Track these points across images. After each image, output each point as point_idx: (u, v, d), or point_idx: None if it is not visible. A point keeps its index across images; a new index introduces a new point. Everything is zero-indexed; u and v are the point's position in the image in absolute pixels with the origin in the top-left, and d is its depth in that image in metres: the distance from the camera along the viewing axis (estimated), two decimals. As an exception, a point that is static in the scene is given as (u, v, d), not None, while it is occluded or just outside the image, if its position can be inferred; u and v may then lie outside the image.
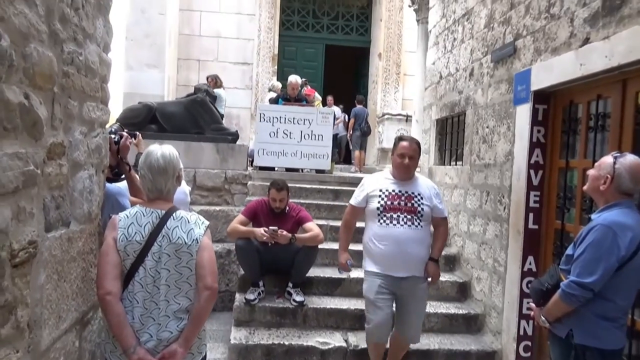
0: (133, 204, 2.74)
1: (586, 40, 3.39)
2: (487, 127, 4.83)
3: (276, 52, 11.55)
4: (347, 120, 11.01)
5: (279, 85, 9.12)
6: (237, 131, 7.48)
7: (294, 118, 7.25)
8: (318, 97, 10.48)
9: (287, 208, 4.58)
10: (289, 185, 6.11)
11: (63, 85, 2.06)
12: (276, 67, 11.56)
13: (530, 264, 4.08)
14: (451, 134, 6.14)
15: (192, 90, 7.78)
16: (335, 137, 10.95)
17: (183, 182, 4.09)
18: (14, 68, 1.63)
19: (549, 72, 3.84)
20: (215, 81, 9.04)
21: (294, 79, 7.91)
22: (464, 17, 5.58)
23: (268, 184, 4.93)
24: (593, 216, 2.39)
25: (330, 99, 11.20)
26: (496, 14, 4.78)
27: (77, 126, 2.24)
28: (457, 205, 5.54)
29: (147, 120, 6.93)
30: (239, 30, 11.38)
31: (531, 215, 4.07)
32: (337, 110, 11.16)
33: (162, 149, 2.24)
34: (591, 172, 2.45)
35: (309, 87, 9.53)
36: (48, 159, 1.90)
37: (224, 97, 8.73)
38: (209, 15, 11.26)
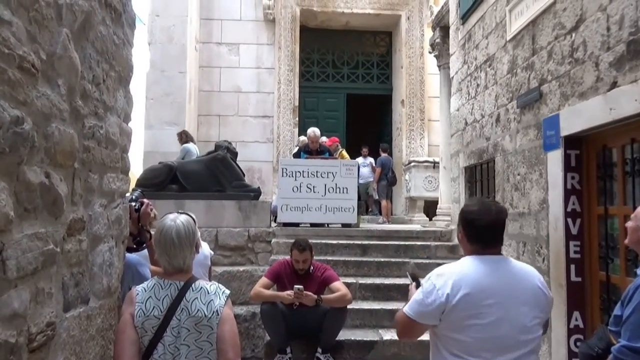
0: (154, 273, 2.77)
1: (614, 84, 3.39)
2: (519, 175, 4.79)
3: (297, 103, 11.85)
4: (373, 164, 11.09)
5: (305, 140, 9.28)
6: (259, 187, 7.58)
7: (317, 171, 7.33)
8: (340, 147, 10.62)
9: (312, 268, 4.56)
10: (314, 241, 6.11)
11: (83, 160, 2.16)
12: (297, 119, 11.82)
13: (576, 320, 3.91)
14: (481, 182, 6.10)
15: (212, 147, 8.01)
16: (366, 186, 11.02)
17: (204, 244, 4.14)
18: (35, 149, 1.72)
19: (577, 117, 3.83)
20: (181, 136, 9.17)
21: (313, 132, 8.07)
22: (486, 64, 5.66)
23: (292, 241, 4.93)
24: (638, 271, 2.32)
25: (365, 150, 11.32)
26: (518, 59, 4.84)
27: (97, 199, 2.33)
28: (492, 257, 5.40)
29: (167, 180, 7.11)
30: (259, 84, 11.76)
31: (573, 267, 3.94)
32: (372, 161, 11.19)
33: (177, 225, 2.21)
34: (629, 224, 2.40)
35: (325, 139, 9.71)
36: (68, 236, 1.96)
37: (195, 152, 8.85)
38: (228, 71, 11.72)
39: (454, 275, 2.10)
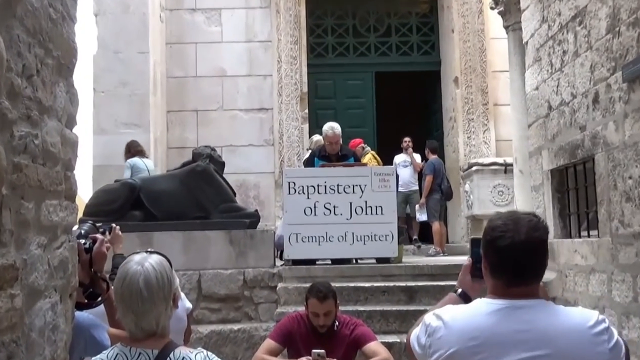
0: (115, 339, 2.78)
1: None
2: (631, 178, 4.75)
3: (305, 89, 11.93)
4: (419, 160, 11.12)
5: (320, 141, 9.31)
6: (256, 211, 7.63)
7: (338, 185, 7.37)
8: (368, 149, 10.65)
9: (337, 324, 4.54)
10: (338, 285, 6.09)
11: (14, 184, 2.19)
12: (307, 111, 11.89)
13: None
14: (576, 191, 6.06)
15: (189, 157, 8.07)
16: (405, 197, 11.04)
17: (181, 295, 4.15)
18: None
19: None
20: (128, 148, 9.19)
21: (331, 129, 8.11)
22: (575, 21, 5.66)
23: (308, 285, 4.94)
24: None
25: (407, 141, 11.33)
26: (622, 12, 4.83)
27: (34, 237, 2.36)
28: (597, 298, 5.36)
29: (128, 204, 7.21)
30: (251, 65, 11.89)
31: None
32: (417, 158, 11.23)
33: (146, 270, 2.21)
34: None
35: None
36: (-5, 290, 1.99)
37: (145, 168, 8.89)
38: (207, 47, 11.88)
39: (450, 323, 2.12)
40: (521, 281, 2.11)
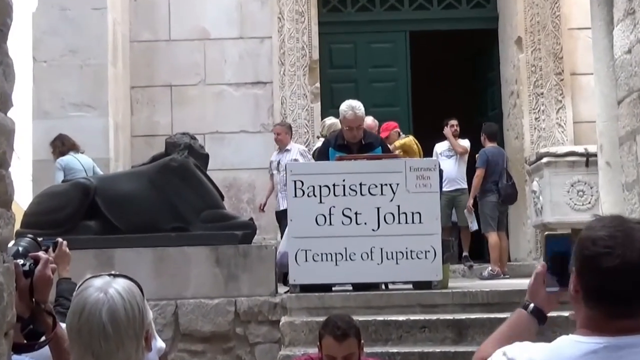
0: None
1: None
2: None
3: (316, 56, 11.93)
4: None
5: (336, 125, 9.28)
6: (251, 219, 7.65)
7: (361, 184, 7.37)
8: (403, 136, 10.61)
9: (362, 370, 4.55)
10: (363, 318, 6.08)
11: None
12: (318, 84, 11.89)
13: None
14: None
15: (160, 148, 8.07)
16: (452, 200, 11.05)
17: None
18: None
19: None
20: (55, 145, 9.31)
21: (351, 109, 8.04)
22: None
23: (320, 320, 4.95)
24: None
25: (452, 125, 11.30)
26: None
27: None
28: None
29: (80, 213, 7.24)
30: (242, 24, 11.91)
31: None
32: (466, 144, 11.25)
33: (110, 299, 2.20)
34: None
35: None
36: None
37: (82, 168, 8.89)
38: (184, 3, 11.90)
39: None
40: (627, 312, 2.07)
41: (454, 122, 11.37)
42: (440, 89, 15.06)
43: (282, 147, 10.27)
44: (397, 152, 9.73)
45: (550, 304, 2.37)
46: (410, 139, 10.44)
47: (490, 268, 10.14)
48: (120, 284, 2.26)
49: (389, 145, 8.70)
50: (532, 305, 2.35)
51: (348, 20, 12.64)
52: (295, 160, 9.85)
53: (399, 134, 10.53)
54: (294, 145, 10.38)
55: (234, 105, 11.73)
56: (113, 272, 2.35)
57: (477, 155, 10.63)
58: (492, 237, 10.24)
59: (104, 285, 2.25)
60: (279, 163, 10.09)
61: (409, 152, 10.13)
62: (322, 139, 9.31)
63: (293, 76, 11.77)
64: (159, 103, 11.74)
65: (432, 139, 11.61)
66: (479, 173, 10.32)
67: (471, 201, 10.47)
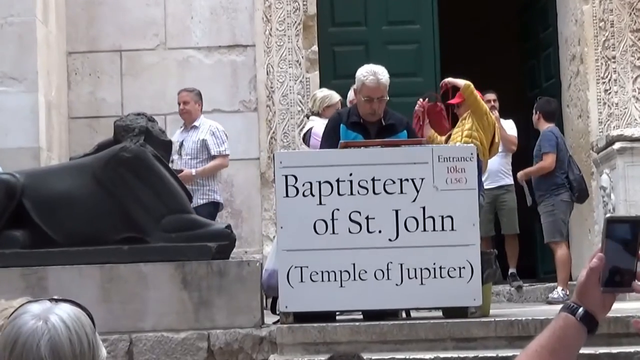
0: None
1: None
2: None
3: (312, 9, 11.94)
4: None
5: (331, 98, 9.28)
6: (229, 227, 7.65)
7: (374, 179, 7.37)
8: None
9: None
10: (378, 357, 6.09)
11: None
12: (316, 47, 11.92)
13: None
14: None
15: (109, 133, 8.06)
16: (494, 200, 11.11)
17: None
18: None
19: None
20: None
21: (373, 74, 8.04)
22: None
23: (320, 358, 5.00)
24: None
25: (490, 99, 11.20)
26: None
27: None
28: None
29: (1, 220, 7.23)
30: (215, -32, 11.91)
31: None
32: (510, 126, 11.29)
33: (52, 328, 2.16)
34: None
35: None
36: None
37: None
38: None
39: None
40: None
41: (491, 96, 11.33)
42: (478, 53, 15.08)
43: (189, 123, 10.29)
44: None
45: (605, 308, 2.39)
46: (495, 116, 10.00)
47: (560, 289, 10.18)
48: (65, 311, 2.26)
49: (411, 129, 8.46)
50: (581, 309, 2.30)
51: (355, -38, 12.70)
52: (204, 141, 9.90)
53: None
54: (204, 121, 10.39)
55: (205, 77, 11.76)
56: (54, 298, 2.37)
57: (540, 138, 10.55)
58: (562, 249, 10.30)
59: (44, 312, 2.25)
60: (181, 145, 10.08)
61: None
62: (313, 119, 9.32)
63: (282, 37, 11.80)
64: (105, 74, 11.77)
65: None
66: (550, 160, 10.26)
67: (525, 173, 10.51)
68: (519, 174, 10.68)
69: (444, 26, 12.77)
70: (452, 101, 9.04)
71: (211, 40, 11.85)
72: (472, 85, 8.85)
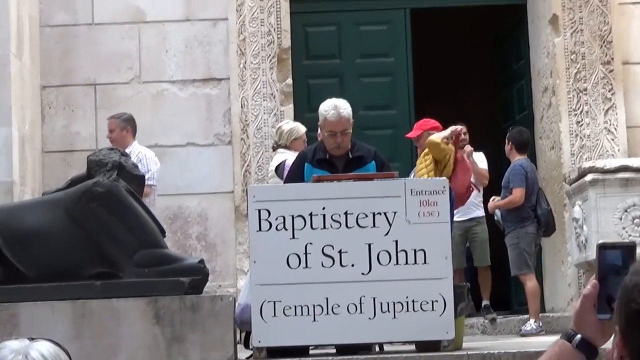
0: None
1: None
2: None
3: (287, 42, 11.98)
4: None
5: (298, 130, 9.28)
6: (202, 262, 7.60)
7: (346, 213, 7.35)
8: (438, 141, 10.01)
9: None
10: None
11: None
12: (290, 80, 11.93)
13: None
14: None
15: (81, 168, 8.01)
16: (465, 232, 11.12)
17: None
18: None
19: None
20: None
21: (334, 109, 8.00)
22: None
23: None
24: None
25: (459, 129, 11.22)
26: None
27: None
28: None
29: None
30: (190, 2, 11.92)
31: None
32: (481, 159, 11.29)
33: None
34: None
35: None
36: None
37: None
38: (111, -28, 11.93)
39: None
40: None
41: (460, 127, 11.29)
42: (452, 84, 15.13)
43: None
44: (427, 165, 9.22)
45: (604, 335, 2.35)
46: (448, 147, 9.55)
47: (533, 321, 10.19)
48: (45, 347, 2.27)
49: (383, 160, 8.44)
50: (578, 336, 2.31)
51: (329, -4, 12.74)
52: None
53: (454, 139, 10.06)
54: (135, 149, 10.27)
55: (179, 110, 11.79)
56: (32, 337, 2.36)
57: (508, 172, 10.58)
58: (532, 281, 10.34)
59: (24, 348, 2.25)
60: None
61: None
62: (282, 151, 9.29)
63: (257, 70, 11.81)
64: (79, 107, 11.74)
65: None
66: (519, 194, 10.31)
67: (497, 200, 10.54)
68: (489, 205, 10.71)
69: (417, 58, 12.81)
70: (409, 135, 9.21)
71: (186, 74, 11.85)
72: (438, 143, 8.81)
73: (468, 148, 11.18)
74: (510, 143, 10.77)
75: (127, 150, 9.65)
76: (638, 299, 2.05)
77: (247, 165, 11.59)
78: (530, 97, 12.81)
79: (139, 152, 10.13)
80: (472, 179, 9.94)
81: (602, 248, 2.39)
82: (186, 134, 11.72)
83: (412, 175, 9.32)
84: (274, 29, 11.89)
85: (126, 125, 10.22)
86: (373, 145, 8.77)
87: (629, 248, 2.37)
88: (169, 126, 11.70)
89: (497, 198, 10.59)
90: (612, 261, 2.28)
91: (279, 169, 9.04)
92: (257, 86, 11.78)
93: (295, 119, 11.28)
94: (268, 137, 11.58)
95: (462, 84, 15.22)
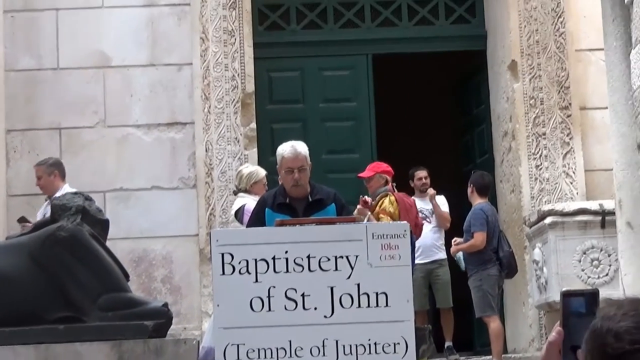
0: None
1: None
2: None
3: (251, 87, 12.03)
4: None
5: (257, 173, 9.34)
6: (166, 305, 7.59)
7: (309, 257, 7.32)
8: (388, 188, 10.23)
9: None
10: None
11: None
12: (254, 124, 11.97)
13: None
14: None
15: (44, 210, 8.00)
16: (428, 274, 11.13)
17: None
18: None
19: None
20: None
21: (291, 148, 8.02)
22: None
23: None
24: None
25: (421, 176, 11.39)
26: None
27: None
28: None
29: None
30: (155, 46, 11.99)
31: None
32: (442, 202, 11.46)
33: None
34: None
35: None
36: None
37: None
38: (77, 17, 11.95)
39: None
40: None
41: (422, 173, 11.52)
42: (414, 128, 15.20)
43: (50, 196, 9.90)
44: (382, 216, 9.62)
45: None
46: (387, 203, 9.91)
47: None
48: None
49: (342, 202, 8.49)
50: None
51: (292, 41, 12.80)
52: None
53: (386, 181, 10.18)
54: (64, 191, 9.85)
55: (144, 153, 11.79)
56: None
57: (470, 216, 10.65)
58: (495, 322, 10.36)
59: None
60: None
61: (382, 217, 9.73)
62: (243, 196, 9.33)
63: (221, 114, 11.83)
64: (44, 151, 11.65)
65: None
66: (480, 238, 10.37)
67: (459, 242, 10.61)
68: (452, 249, 10.79)
69: (380, 103, 12.89)
70: (362, 174, 9.35)
71: (150, 118, 11.86)
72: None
73: (430, 191, 11.38)
74: (471, 186, 10.84)
75: (57, 195, 9.49)
76: (614, 344, 2.10)
77: (212, 209, 11.59)
78: (490, 141, 12.88)
79: None
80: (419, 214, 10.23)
81: (566, 295, 2.44)
82: (151, 178, 11.71)
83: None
84: (238, 74, 11.94)
85: (53, 170, 10.09)
86: (337, 188, 8.80)
87: (592, 295, 2.41)
88: (134, 170, 11.69)
89: (460, 240, 10.65)
90: (576, 308, 2.32)
91: (238, 213, 9.08)
92: (221, 130, 11.80)
93: (259, 162, 11.32)
94: (232, 180, 11.54)
95: (424, 128, 15.30)
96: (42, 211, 9.89)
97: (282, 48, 12.71)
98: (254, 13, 12.41)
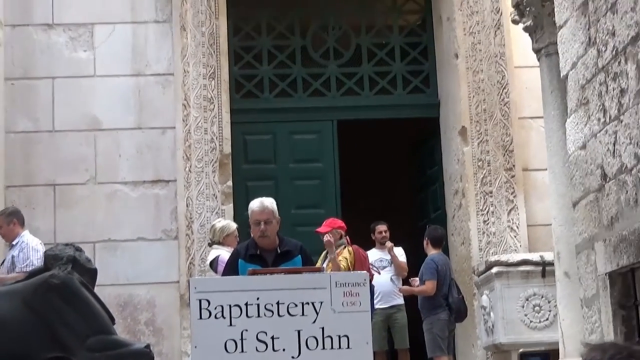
0: None
1: None
2: None
3: (227, 148, 12.03)
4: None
5: (229, 227, 9.33)
6: (148, 347, 7.50)
7: (278, 303, 7.26)
8: (345, 242, 10.29)
9: None
10: None
11: None
12: (230, 182, 11.95)
13: None
14: (649, 306, 6.10)
15: (38, 260, 7.92)
16: (387, 318, 11.10)
17: None
18: None
19: None
20: None
21: (259, 202, 7.99)
22: (636, 44, 5.83)
23: None
24: None
25: (381, 230, 11.42)
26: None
27: None
28: None
29: None
30: (142, 111, 11.98)
31: None
32: (400, 253, 11.45)
33: None
34: None
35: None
36: None
37: None
38: (72, 85, 11.95)
39: None
40: None
41: (382, 227, 11.52)
42: (374, 187, 15.23)
43: (10, 241, 9.92)
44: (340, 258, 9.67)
45: None
46: (344, 254, 9.92)
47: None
48: None
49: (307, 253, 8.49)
50: None
51: (265, 108, 12.84)
52: (13, 257, 9.56)
53: (341, 236, 10.08)
54: (22, 238, 9.93)
55: (130, 208, 11.72)
56: None
57: (422, 267, 10.67)
58: (445, 361, 10.32)
59: None
60: (3, 262, 9.84)
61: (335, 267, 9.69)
62: (217, 247, 9.30)
63: (201, 173, 11.80)
64: (40, 205, 11.63)
65: (365, 246, 11.65)
66: (430, 286, 10.37)
67: (416, 281, 10.67)
68: (402, 288, 10.95)
69: (345, 163, 12.91)
70: (319, 229, 9.40)
71: (136, 176, 11.82)
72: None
73: (389, 244, 11.38)
74: (426, 239, 10.88)
75: (16, 241, 9.64)
76: None
77: (192, 258, 11.52)
78: (443, 199, 12.91)
79: (22, 242, 9.80)
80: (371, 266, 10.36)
81: (524, 356, 2.44)
82: (137, 230, 11.65)
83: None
84: (216, 137, 11.93)
85: (12, 219, 9.93)
86: (303, 240, 8.77)
87: (546, 355, 2.40)
88: (121, 222, 11.63)
89: (416, 279, 10.66)
90: None
91: (213, 263, 9.06)
92: (200, 187, 11.77)
93: (235, 217, 11.30)
94: (207, 233, 11.59)
95: (383, 187, 15.34)
96: (7, 255, 9.81)
97: (256, 114, 12.73)
98: (231, 82, 12.44)
